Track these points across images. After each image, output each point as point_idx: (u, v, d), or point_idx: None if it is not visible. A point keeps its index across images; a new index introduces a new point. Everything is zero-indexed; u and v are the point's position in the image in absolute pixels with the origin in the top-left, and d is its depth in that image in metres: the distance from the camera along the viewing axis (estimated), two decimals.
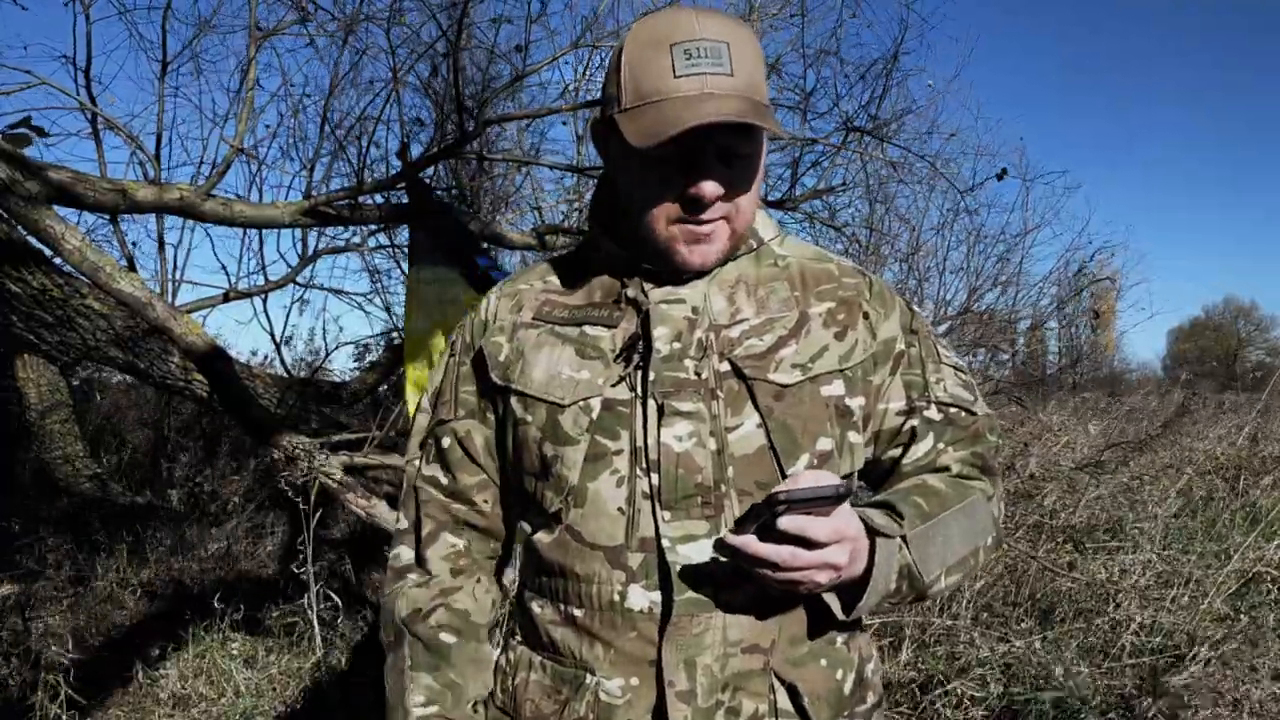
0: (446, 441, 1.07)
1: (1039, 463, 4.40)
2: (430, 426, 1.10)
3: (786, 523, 0.82)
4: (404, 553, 1.10)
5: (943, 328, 5.32)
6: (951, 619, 3.11)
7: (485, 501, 1.08)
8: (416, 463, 1.11)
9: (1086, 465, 4.65)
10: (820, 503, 0.83)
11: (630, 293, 1.01)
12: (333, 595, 3.49)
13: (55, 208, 2.54)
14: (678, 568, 0.92)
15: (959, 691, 2.74)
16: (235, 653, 3.45)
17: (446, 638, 1.04)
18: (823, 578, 0.86)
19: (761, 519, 0.83)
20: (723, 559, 0.90)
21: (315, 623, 3.37)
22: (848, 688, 0.98)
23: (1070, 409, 7.92)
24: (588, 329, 1.01)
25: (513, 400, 1.02)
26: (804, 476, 0.86)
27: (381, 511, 2.64)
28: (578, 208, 4.95)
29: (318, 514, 3.03)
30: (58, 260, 2.88)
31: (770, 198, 4.07)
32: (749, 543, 0.84)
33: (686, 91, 0.90)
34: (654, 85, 0.91)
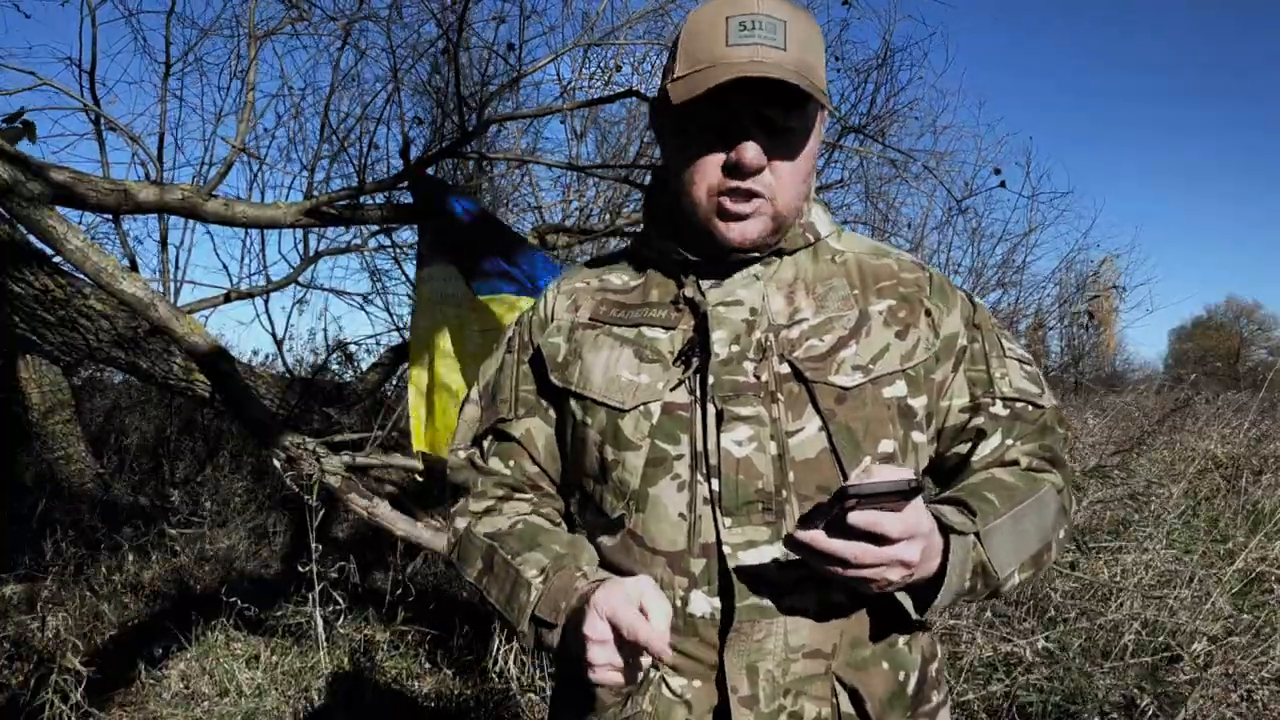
0: (507, 439, 1.07)
1: None
2: (491, 423, 1.08)
3: (857, 518, 0.80)
4: (470, 504, 1.07)
5: None
6: (954, 619, 3.11)
7: (549, 486, 1.08)
8: (464, 453, 1.10)
9: (1089, 468, 4.64)
10: (891, 497, 0.80)
11: (688, 293, 1.00)
12: (336, 595, 3.48)
13: (58, 208, 2.54)
14: (739, 574, 0.91)
15: (961, 692, 2.74)
16: (238, 652, 3.46)
17: (541, 523, 1.03)
18: (894, 575, 0.83)
19: (831, 514, 0.81)
20: (790, 558, 0.88)
21: (319, 623, 3.38)
22: (911, 688, 0.97)
23: (1073, 408, 7.91)
24: (645, 330, 1.00)
25: (572, 403, 1.01)
26: (873, 471, 0.84)
27: (383, 511, 2.65)
28: (577, 207, 4.95)
29: (320, 514, 3.03)
30: (60, 260, 2.88)
31: None
32: (817, 538, 0.82)
33: (735, 59, 0.89)
34: (706, 53, 0.92)
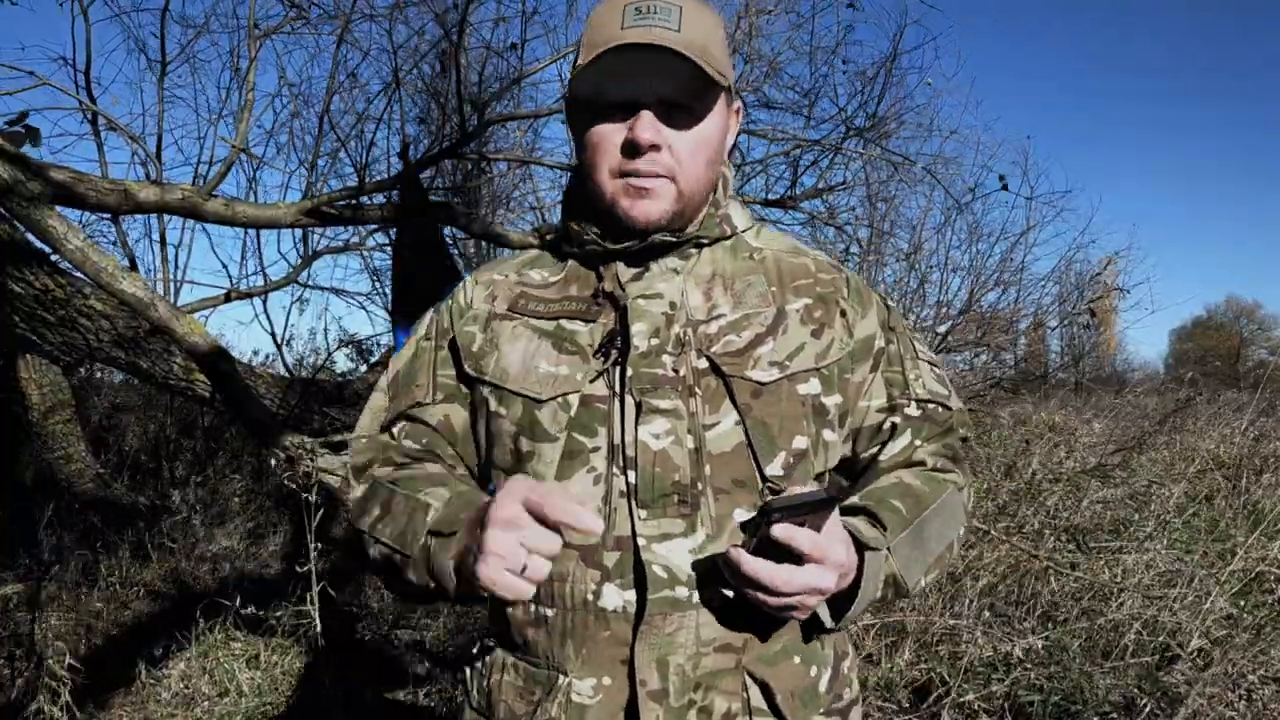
0: (422, 424, 1.04)
1: (1041, 462, 4.40)
2: (404, 408, 1.05)
3: (778, 530, 0.82)
4: (376, 470, 1.02)
5: (943, 327, 5.30)
6: (954, 619, 3.11)
7: (464, 472, 1.05)
8: (369, 439, 1.06)
9: (1090, 468, 4.65)
10: (810, 509, 0.83)
11: (607, 286, 1.00)
12: (335, 595, 3.48)
13: (58, 208, 2.54)
14: (653, 566, 0.91)
15: (962, 692, 2.74)
16: (238, 652, 3.46)
17: (441, 471, 1.00)
18: (813, 602, 0.86)
19: (756, 531, 0.84)
20: (704, 554, 0.90)
21: (318, 622, 3.37)
22: (823, 684, 0.98)
23: (1073, 408, 7.92)
24: (565, 323, 1.00)
25: (485, 392, 1.00)
26: (793, 490, 0.87)
27: None
28: None
29: (319, 514, 3.03)
30: (60, 260, 2.88)
31: (769, 196, 4.08)
32: (741, 558, 0.84)
33: (630, 38, 0.93)
34: (603, 38, 0.94)
